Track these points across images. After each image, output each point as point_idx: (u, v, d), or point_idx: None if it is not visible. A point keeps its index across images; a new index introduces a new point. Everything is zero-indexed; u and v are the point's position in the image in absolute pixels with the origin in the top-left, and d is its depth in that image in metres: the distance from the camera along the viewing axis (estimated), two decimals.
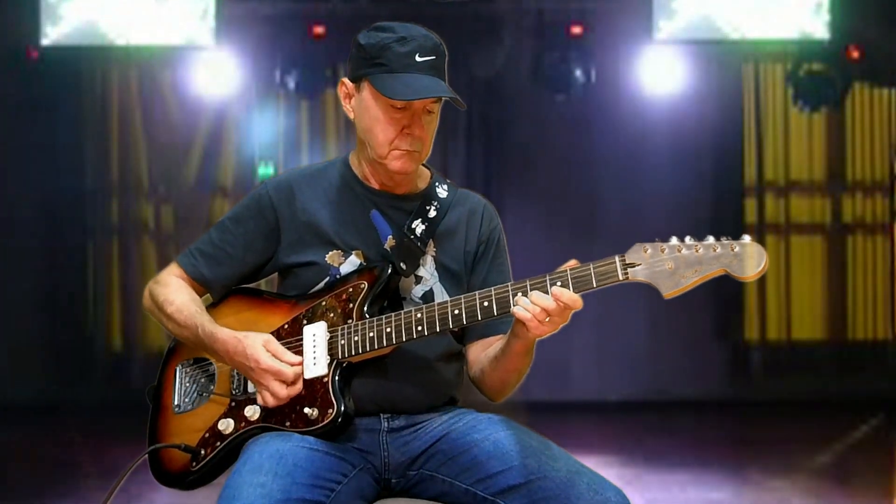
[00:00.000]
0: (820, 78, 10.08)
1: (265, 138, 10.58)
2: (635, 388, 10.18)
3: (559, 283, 2.69)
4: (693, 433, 9.02)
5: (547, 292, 2.69)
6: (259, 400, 2.89)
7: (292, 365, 2.86)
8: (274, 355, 2.86)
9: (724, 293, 10.35)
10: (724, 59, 10.31)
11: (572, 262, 2.73)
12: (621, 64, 10.13)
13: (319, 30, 9.89)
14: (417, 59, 2.88)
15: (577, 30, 10.00)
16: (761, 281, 10.51)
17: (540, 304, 2.68)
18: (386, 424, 2.94)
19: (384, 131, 2.92)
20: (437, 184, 3.12)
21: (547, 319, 2.70)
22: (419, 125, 2.93)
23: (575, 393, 10.11)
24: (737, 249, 2.61)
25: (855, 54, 9.92)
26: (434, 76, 2.89)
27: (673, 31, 9.81)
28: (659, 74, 10.02)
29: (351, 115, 3.02)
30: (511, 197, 9.72)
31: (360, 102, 2.97)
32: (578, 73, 10.11)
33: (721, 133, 10.59)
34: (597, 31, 10.04)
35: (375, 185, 3.06)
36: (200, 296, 3.13)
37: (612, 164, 10.39)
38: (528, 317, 2.69)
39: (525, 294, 2.70)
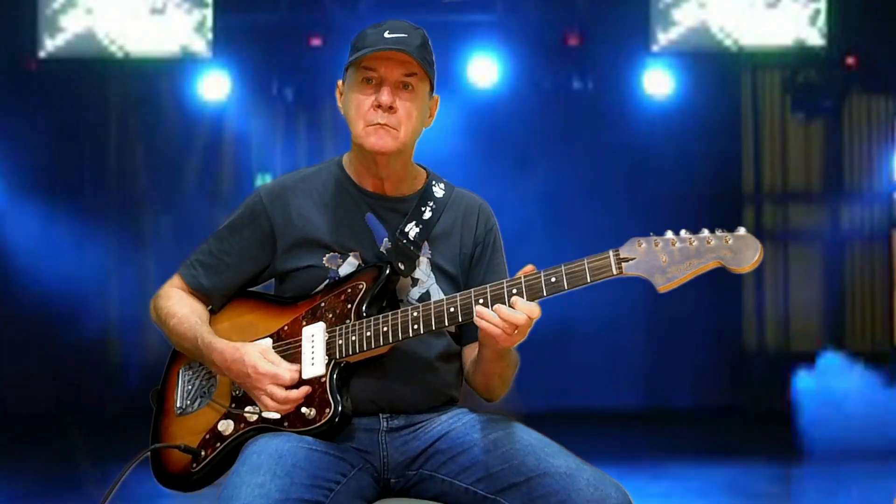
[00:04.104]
0: (817, 86, 10.10)
1: (263, 149, 10.59)
2: (635, 397, 10.17)
3: (555, 280, 2.69)
4: (693, 441, 9.00)
5: (541, 291, 2.70)
6: (260, 407, 2.89)
7: (289, 370, 2.87)
8: (271, 362, 2.87)
9: (722, 302, 10.34)
10: (721, 68, 10.32)
11: (529, 268, 2.73)
12: (619, 73, 10.14)
13: (317, 41, 9.90)
14: (386, 35, 2.91)
15: (573, 40, 10.01)
16: (759, 289, 10.52)
17: (509, 320, 2.69)
18: (385, 424, 2.93)
19: (357, 107, 2.94)
20: (433, 183, 3.11)
21: (516, 332, 2.71)
22: (389, 95, 2.92)
23: (573, 399, 10.10)
24: (731, 242, 2.60)
25: (851, 62, 9.93)
26: (402, 49, 2.91)
27: (670, 41, 9.81)
28: (656, 84, 10.03)
29: (342, 111, 3.04)
30: (509, 205, 9.73)
31: (345, 95, 3.01)
32: (576, 83, 10.14)
33: (719, 142, 10.60)
34: (594, 41, 10.05)
35: (369, 187, 3.05)
36: (205, 305, 3.14)
37: (610, 173, 10.39)
38: (498, 332, 2.71)
39: (521, 293, 2.71)
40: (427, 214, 3.03)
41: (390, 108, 2.92)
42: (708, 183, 10.52)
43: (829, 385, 9.57)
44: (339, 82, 3.05)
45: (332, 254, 2.99)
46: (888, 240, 10.65)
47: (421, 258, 3.01)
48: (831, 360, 9.83)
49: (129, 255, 10.55)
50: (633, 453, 8.42)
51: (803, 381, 9.65)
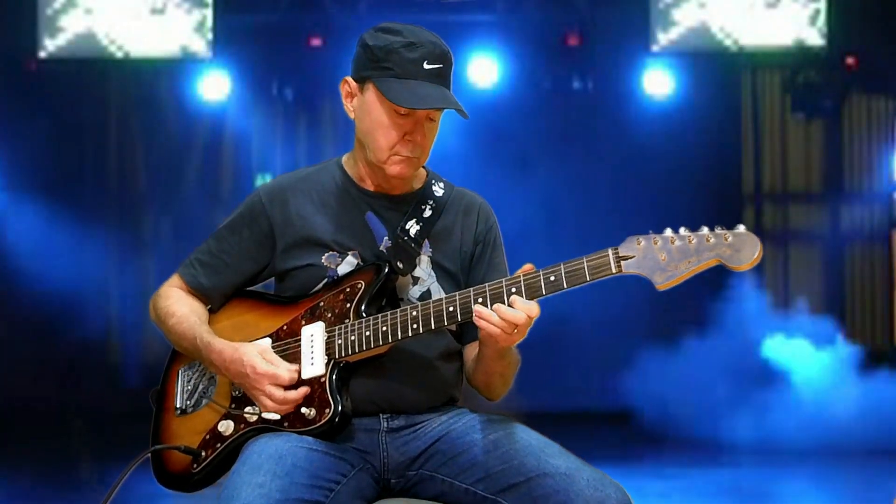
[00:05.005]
0: (817, 86, 10.10)
1: (263, 149, 10.60)
2: (633, 398, 10.15)
3: (553, 280, 2.69)
4: (693, 441, 8.99)
5: (539, 289, 2.70)
6: (259, 407, 2.89)
7: (288, 370, 2.86)
8: (270, 362, 2.87)
9: None
10: (721, 69, 10.32)
11: (528, 267, 2.73)
12: (619, 73, 10.13)
13: (317, 42, 9.90)
14: (425, 66, 2.86)
15: (574, 40, 10.01)
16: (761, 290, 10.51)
17: (508, 319, 2.68)
18: (385, 424, 2.92)
19: (386, 136, 2.91)
20: (432, 182, 3.10)
21: (515, 331, 2.71)
22: (421, 132, 2.92)
23: (572, 403, 10.10)
24: (730, 239, 2.59)
25: (851, 63, 9.93)
26: (440, 85, 2.88)
27: (670, 41, 9.81)
28: (656, 84, 10.02)
29: (351, 115, 3.00)
30: (509, 206, 9.72)
31: (362, 103, 2.95)
32: (576, 83, 10.14)
33: (719, 142, 10.60)
34: (594, 41, 10.05)
35: (370, 187, 3.05)
36: (204, 305, 3.13)
37: (609, 173, 10.39)
38: (497, 331, 2.70)
39: (520, 292, 2.70)
40: (427, 213, 3.03)
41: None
42: (708, 183, 10.52)
43: (830, 385, 9.57)
44: (351, 82, 2.98)
45: (330, 253, 2.98)
46: (888, 240, 10.65)
47: (422, 256, 3.00)
48: (832, 360, 9.83)
49: (129, 255, 10.56)
50: (633, 454, 8.43)
51: (803, 381, 9.65)
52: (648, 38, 9.81)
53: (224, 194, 10.65)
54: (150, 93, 10.46)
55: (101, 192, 10.70)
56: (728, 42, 9.79)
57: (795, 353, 9.91)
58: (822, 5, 9.72)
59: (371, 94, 2.91)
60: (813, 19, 9.77)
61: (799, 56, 9.96)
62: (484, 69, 9.92)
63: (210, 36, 9.84)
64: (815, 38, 9.77)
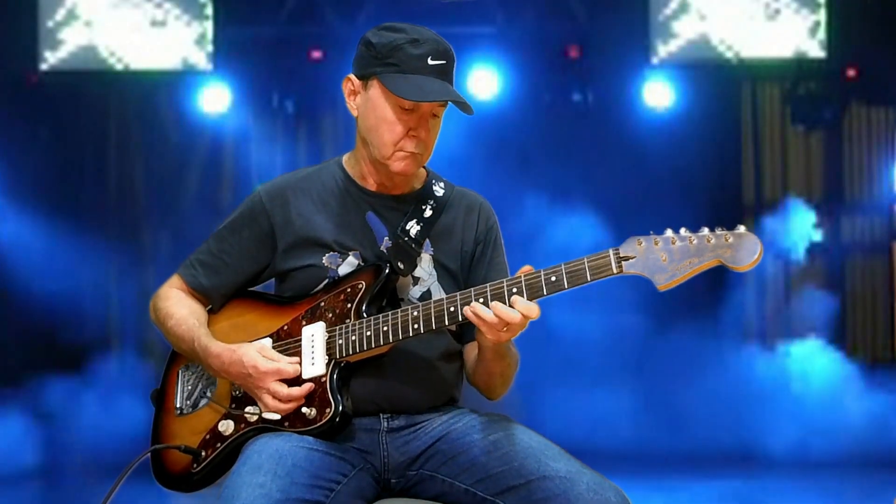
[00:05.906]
0: (817, 98, 10.09)
1: (263, 163, 10.58)
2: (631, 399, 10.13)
3: (555, 280, 2.69)
4: (694, 449, 8.97)
5: (541, 289, 2.69)
6: (262, 407, 2.88)
7: (290, 363, 2.86)
8: (271, 359, 2.87)
9: None
10: (721, 80, 10.31)
11: (527, 268, 2.72)
12: (619, 85, 10.12)
13: (317, 54, 9.90)
14: (430, 62, 2.87)
15: (574, 52, 10.01)
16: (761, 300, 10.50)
17: (502, 317, 2.68)
18: (386, 424, 2.93)
19: (390, 131, 2.91)
20: (433, 182, 3.11)
21: (505, 329, 2.71)
22: (425, 128, 2.92)
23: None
24: (731, 240, 2.60)
25: (852, 74, 9.93)
26: (444, 80, 2.89)
27: (670, 53, 9.81)
28: (657, 96, 10.02)
29: (354, 113, 3.01)
30: (508, 211, 9.68)
31: (366, 101, 2.95)
32: (576, 95, 10.14)
33: (719, 153, 10.59)
34: (594, 53, 10.05)
35: (371, 186, 3.05)
36: (204, 305, 3.13)
37: (609, 185, 10.37)
38: (487, 327, 2.71)
39: (521, 292, 2.69)
40: (428, 212, 3.03)
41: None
42: (708, 194, 10.48)
43: (830, 396, 9.55)
44: (354, 80, 2.99)
45: (331, 253, 2.98)
46: (889, 251, 10.64)
47: (423, 255, 3.00)
48: (832, 371, 9.82)
49: (128, 267, 10.54)
50: (635, 455, 8.42)
51: (803, 392, 9.64)
52: (648, 49, 9.80)
53: (224, 206, 10.61)
54: (150, 105, 10.44)
55: (101, 203, 10.68)
56: (728, 54, 9.78)
57: (796, 363, 9.90)
58: (822, 17, 9.72)
59: (375, 90, 2.92)
60: (813, 31, 9.76)
61: (799, 67, 9.94)
62: (484, 81, 9.91)
63: (210, 48, 9.83)
64: (815, 49, 9.76)
